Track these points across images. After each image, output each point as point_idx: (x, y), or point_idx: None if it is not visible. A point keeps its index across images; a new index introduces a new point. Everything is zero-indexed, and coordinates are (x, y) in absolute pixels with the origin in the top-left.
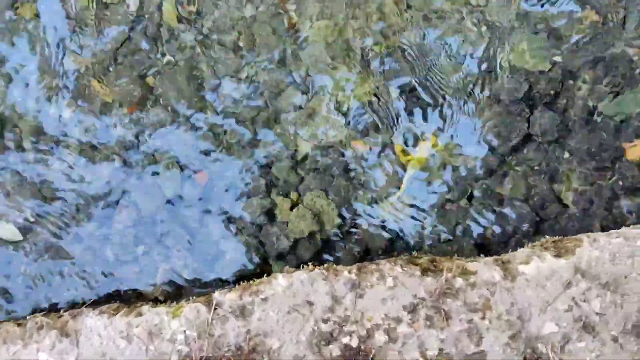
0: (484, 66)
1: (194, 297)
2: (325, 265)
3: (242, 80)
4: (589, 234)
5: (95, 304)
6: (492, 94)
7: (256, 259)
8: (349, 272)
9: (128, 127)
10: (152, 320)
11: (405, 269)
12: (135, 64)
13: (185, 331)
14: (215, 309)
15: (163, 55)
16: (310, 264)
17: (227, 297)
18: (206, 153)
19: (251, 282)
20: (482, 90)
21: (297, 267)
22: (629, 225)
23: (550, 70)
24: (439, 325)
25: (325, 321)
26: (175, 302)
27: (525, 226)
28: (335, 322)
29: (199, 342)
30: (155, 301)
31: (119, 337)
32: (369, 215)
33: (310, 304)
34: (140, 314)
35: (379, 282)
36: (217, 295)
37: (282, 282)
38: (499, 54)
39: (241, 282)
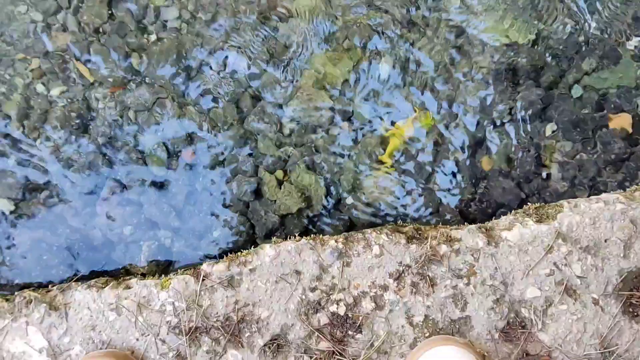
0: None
1: (182, 270)
2: (312, 235)
3: (226, 57)
4: (570, 199)
5: (84, 279)
6: (476, 67)
7: (244, 237)
8: (336, 241)
9: (111, 107)
10: (141, 292)
11: (391, 237)
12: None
13: (173, 302)
14: (203, 280)
15: (149, 33)
16: (297, 235)
17: (215, 269)
18: (191, 131)
19: (239, 253)
20: (465, 63)
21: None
22: None
23: (534, 43)
24: (425, 292)
25: (313, 290)
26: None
27: (509, 200)
28: (322, 290)
29: (188, 313)
30: (143, 276)
31: (108, 310)
32: (356, 190)
33: (298, 273)
34: (128, 287)
35: (365, 250)
36: (205, 266)
37: (269, 252)
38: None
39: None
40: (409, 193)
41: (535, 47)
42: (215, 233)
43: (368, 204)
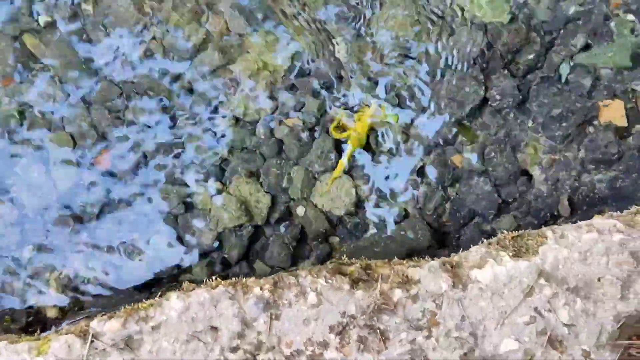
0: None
1: (66, 326)
2: (231, 279)
3: (145, 42)
4: (555, 227)
5: None
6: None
7: (176, 258)
8: (261, 289)
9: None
10: None
11: (331, 281)
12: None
13: None
14: (92, 341)
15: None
16: (215, 277)
17: (107, 327)
18: (105, 131)
19: (138, 305)
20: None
21: (223, 265)
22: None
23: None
24: (375, 348)
25: (234, 350)
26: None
27: (484, 207)
28: (246, 350)
29: None
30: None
31: None
32: (306, 199)
33: (215, 329)
34: None
35: (298, 299)
36: (94, 324)
37: (176, 305)
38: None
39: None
40: (368, 200)
41: (514, 23)
42: (140, 254)
43: (321, 213)
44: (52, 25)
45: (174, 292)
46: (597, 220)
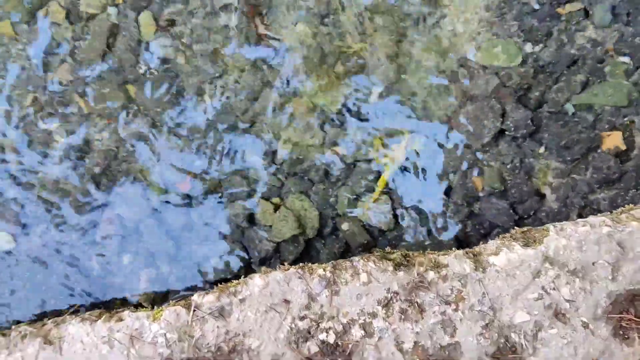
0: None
1: (174, 302)
2: (300, 264)
3: (222, 87)
4: (556, 223)
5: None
6: (465, 90)
7: (240, 264)
8: (324, 270)
9: (109, 137)
10: (133, 325)
11: (379, 264)
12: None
13: (165, 334)
14: (194, 310)
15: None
16: (286, 264)
17: (205, 300)
18: (188, 161)
19: (229, 283)
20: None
21: None
22: None
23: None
24: (414, 318)
25: (302, 319)
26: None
27: (503, 221)
28: (312, 319)
29: (180, 344)
30: (139, 306)
31: (101, 343)
32: (350, 215)
33: (287, 302)
34: (121, 319)
35: (353, 278)
36: (195, 297)
37: (258, 282)
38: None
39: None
40: (402, 217)
41: (524, 66)
42: (212, 261)
43: (363, 228)
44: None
45: (256, 273)
46: (590, 217)
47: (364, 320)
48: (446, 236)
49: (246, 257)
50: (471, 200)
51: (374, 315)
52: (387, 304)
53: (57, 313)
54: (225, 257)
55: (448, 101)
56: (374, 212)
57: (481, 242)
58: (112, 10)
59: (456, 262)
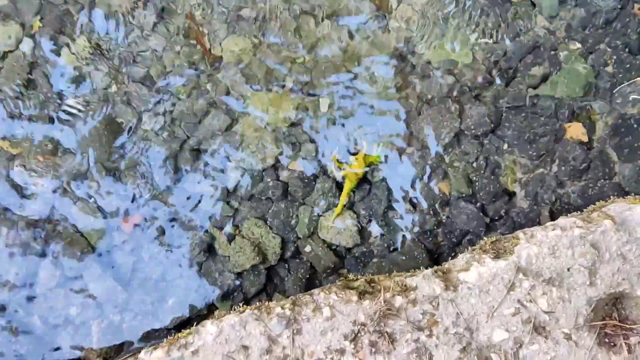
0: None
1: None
2: (256, 304)
3: (159, 114)
4: (525, 229)
5: None
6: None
7: (201, 300)
8: (282, 308)
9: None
10: None
11: (341, 295)
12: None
13: None
14: None
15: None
16: (241, 304)
17: (153, 356)
18: (131, 198)
19: (178, 334)
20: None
21: (245, 303)
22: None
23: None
24: (385, 350)
25: None
26: None
27: (474, 227)
28: None
29: None
30: None
31: None
32: (312, 235)
33: (246, 348)
34: None
35: (315, 313)
36: (142, 355)
37: (211, 329)
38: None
39: (172, 334)
40: (368, 231)
41: (476, 62)
42: (169, 301)
43: (328, 247)
44: None
45: (208, 320)
46: (560, 219)
47: (332, 358)
48: (416, 248)
49: (209, 292)
50: (439, 207)
51: (342, 351)
52: (354, 338)
53: None
54: (185, 296)
55: (404, 105)
56: (337, 229)
57: (453, 253)
58: None
59: (425, 283)
